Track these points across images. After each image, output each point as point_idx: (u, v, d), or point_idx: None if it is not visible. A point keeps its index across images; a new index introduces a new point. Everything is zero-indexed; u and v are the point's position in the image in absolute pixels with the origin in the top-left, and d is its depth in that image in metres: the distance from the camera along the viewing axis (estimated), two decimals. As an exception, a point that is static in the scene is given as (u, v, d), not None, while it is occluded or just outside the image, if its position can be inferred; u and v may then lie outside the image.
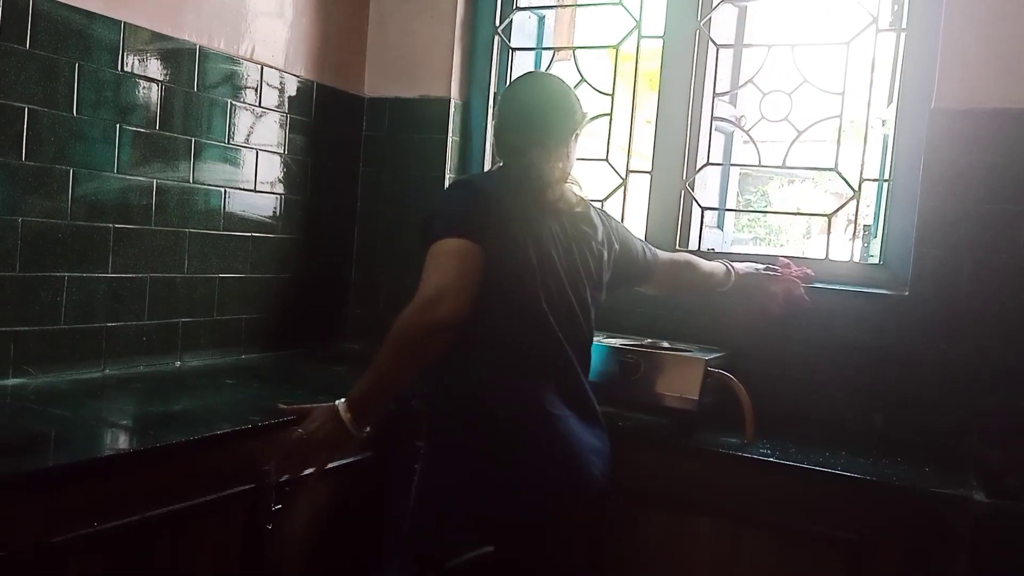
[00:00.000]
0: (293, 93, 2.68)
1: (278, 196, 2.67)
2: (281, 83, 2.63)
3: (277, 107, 2.63)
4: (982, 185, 2.14)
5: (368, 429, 1.64)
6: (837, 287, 2.33)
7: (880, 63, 2.40)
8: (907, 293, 2.23)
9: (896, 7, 2.48)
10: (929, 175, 2.21)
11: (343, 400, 1.62)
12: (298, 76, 2.69)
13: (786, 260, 2.35)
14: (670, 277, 2.18)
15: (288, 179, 2.69)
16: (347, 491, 2.06)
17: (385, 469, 2.10)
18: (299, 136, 2.72)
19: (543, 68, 2.95)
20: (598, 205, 2.07)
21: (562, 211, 1.80)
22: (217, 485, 1.71)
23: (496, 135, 1.90)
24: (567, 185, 1.84)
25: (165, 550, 1.62)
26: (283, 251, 2.70)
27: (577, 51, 2.84)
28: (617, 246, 1.96)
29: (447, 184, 1.77)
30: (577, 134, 1.88)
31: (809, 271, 2.31)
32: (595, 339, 1.91)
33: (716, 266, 2.27)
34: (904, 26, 2.35)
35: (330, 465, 1.93)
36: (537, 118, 1.82)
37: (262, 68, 2.55)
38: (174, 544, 1.64)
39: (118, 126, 2.13)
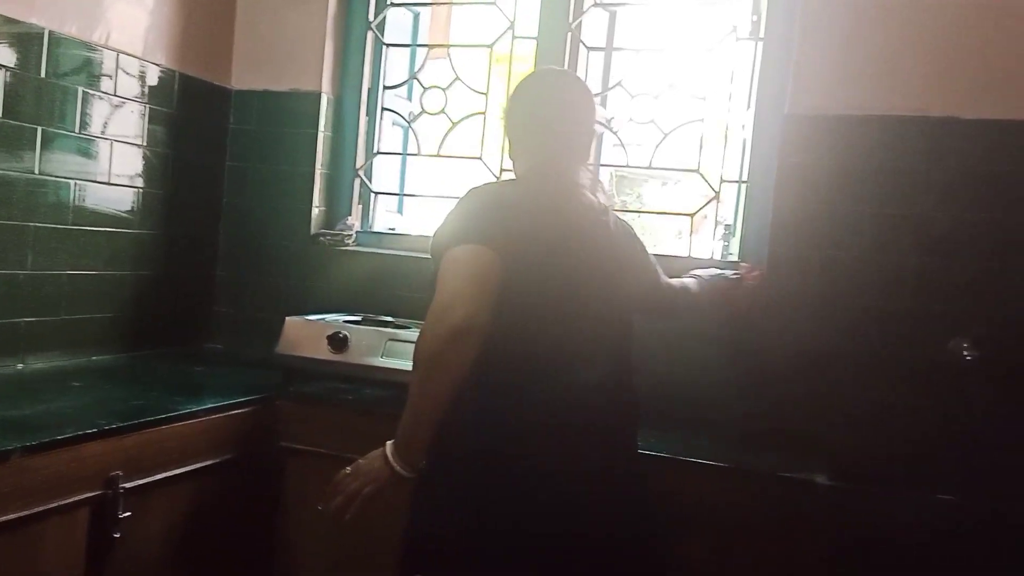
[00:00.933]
0: (154, 83, 2.57)
1: (137, 190, 2.54)
2: (141, 72, 2.51)
3: (136, 97, 2.51)
4: (829, 187, 2.26)
5: (424, 464, 1.53)
6: (699, 284, 2.41)
7: (740, 70, 2.52)
8: (762, 289, 2.34)
9: (755, 17, 2.60)
10: (782, 177, 2.32)
11: (391, 442, 1.52)
12: (159, 65, 2.58)
13: (746, 265, 2.28)
14: (683, 308, 2.07)
15: (148, 172, 2.58)
16: (206, 496, 1.98)
17: (247, 472, 2.03)
18: (160, 128, 2.60)
19: (417, 66, 2.94)
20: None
21: (586, 223, 1.65)
22: (60, 492, 1.61)
23: (510, 142, 1.76)
24: (590, 193, 1.68)
25: (2, 561, 1.52)
26: (142, 247, 2.58)
27: (452, 49, 2.84)
28: (637, 268, 1.82)
29: (465, 193, 1.64)
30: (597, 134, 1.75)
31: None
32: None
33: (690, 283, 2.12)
34: (761, 35, 2.47)
35: (185, 469, 1.89)
36: (551, 120, 1.70)
37: (118, 55, 2.42)
38: (12, 555, 1.54)
39: (-46, 112, 1.99)
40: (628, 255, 1.78)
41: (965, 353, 2.06)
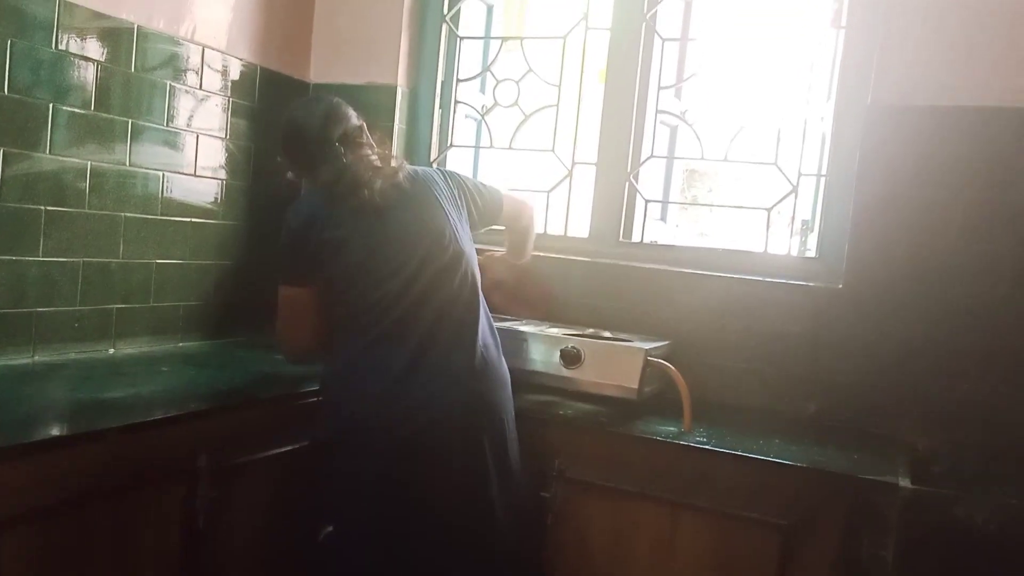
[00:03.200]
0: (236, 77, 2.64)
1: (219, 181, 2.62)
2: (224, 66, 2.58)
3: (219, 91, 2.58)
4: (915, 177, 2.20)
5: None
6: (774, 280, 2.37)
7: (820, 60, 2.46)
8: (841, 285, 2.29)
9: (837, 5, 2.53)
10: (864, 170, 2.26)
11: None
12: (241, 59, 2.65)
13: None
14: (512, 216, 2.30)
15: (230, 164, 2.65)
16: (289, 478, 2.04)
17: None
18: (242, 121, 2.67)
19: (490, 58, 2.95)
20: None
21: (383, 195, 1.94)
22: (153, 471, 1.68)
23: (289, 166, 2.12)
24: (377, 168, 1.97)
25: (101, 535, 1.59)
26: (224, 237, 2.66)
27: (525, 41, 2.85)
28: (464, 192, 2.11)
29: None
30: (347, 130, 2.02)
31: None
32: (486, 314, 2.02)
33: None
34: (843, 24, 2.41)
35: (270, 453, 1.95)
36: (315, 137, 2.00)
37: (203, 50, 2.50)
38: (110, 529, 1.61)
39: (51, 105, 2.07)
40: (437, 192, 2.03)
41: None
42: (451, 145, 2.96)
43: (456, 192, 2.08)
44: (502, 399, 1.96)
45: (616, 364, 2.15)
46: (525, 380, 2.19)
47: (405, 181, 1.99)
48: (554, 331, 2.31)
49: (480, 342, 1.94)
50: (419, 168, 2.09)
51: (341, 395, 1.91)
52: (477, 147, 3.13)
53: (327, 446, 1.90)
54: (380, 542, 1.83)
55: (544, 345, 2.22)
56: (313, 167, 2.01)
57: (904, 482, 1.77)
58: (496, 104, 2.86)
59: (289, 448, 2.01)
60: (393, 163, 2.01)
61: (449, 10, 2.90)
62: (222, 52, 2.57)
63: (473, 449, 1.87)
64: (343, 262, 1.91)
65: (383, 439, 1.83)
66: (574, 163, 2.75)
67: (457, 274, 1.95)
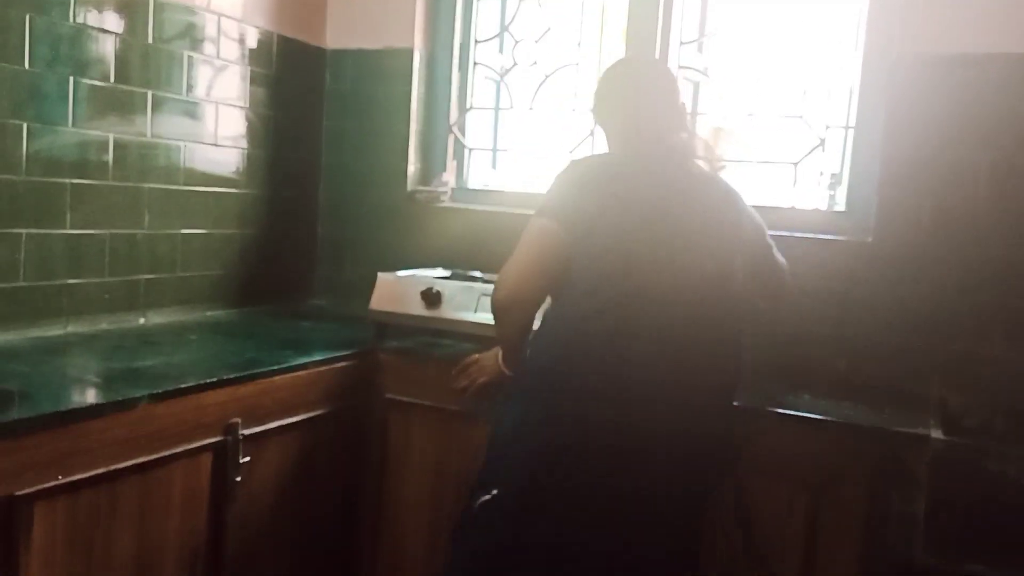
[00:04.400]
0: (253, 45, 2.62)
1: (240, 151, 2.62)
2: (240, 35, 2.57)
3: (237, 60, 2.57)
4: (944, 131, 2.15)
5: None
6: (802, 235, 2.34)
7: (847, 10, 2.41)
8: (870, 239, 2.26)
9: (862, -47, 2.46)
10: (892, 122, 2.21)
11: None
12: (258, 27, 2.63)
13: None
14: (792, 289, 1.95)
15: (250, 133, 2.65)
16: (316, 443, 2.06)
17: (352, 421, 2.10)
18: (260, 89, 2.66)
19: (508, 18, 2.91)
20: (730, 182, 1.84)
21: (679, 187, 1.72)
22: (185, 438, 1.70)
23: (603, 125, 1.90)
24: (691, 158, 1.78)
25: (132, 501, 1.62)
26: (247, 207, 2.67)
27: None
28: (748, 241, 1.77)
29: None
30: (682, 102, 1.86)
31: None
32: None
33: None
34: (869, -29, 2.34)
35: (297, 418, 1.97)
36: (641, 96, 1.82)
37: (219, 19, 2.48)
38: (141, 496, 1.64)
39: (72, 79, 2.08)
40: (727, 221, 1.74)
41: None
42: (471, 107, 2.93)
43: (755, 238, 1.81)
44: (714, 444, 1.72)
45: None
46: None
47: (711, 184, 1.77)
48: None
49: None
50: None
51: (552, 375, 1.64)
52: (497, 108, 3.09)
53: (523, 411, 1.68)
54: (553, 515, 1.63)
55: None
56: (656, 123, 1.79)
57: (936, 434, 1.75)
58: (515, 65, 2.83)
59: (318, 413, 2.04)
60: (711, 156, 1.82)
61: (465, -30, 2.85)
62: (238, 21, 2.55)
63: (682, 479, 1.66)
64: (616, 223, 1.64)
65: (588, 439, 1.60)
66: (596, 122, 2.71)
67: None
